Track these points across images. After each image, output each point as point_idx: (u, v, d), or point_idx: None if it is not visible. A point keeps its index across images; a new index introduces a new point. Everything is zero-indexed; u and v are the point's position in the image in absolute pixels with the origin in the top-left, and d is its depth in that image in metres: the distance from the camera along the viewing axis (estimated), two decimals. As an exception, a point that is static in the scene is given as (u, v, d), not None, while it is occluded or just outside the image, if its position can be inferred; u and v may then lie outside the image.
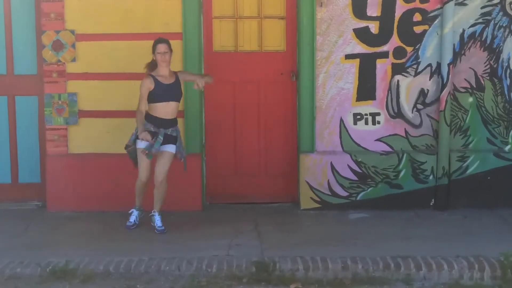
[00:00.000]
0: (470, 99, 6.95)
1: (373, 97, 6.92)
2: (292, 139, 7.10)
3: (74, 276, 5.24)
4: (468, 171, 6.92)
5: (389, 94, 6.92)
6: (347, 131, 6.93)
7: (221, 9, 7.02)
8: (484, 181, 6.89)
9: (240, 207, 6.97)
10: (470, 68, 6.90)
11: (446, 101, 6.80)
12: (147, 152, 6.10)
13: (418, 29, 6.86)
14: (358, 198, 6.93)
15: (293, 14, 6.97)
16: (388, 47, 6.87)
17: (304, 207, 6.92)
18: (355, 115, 6.93)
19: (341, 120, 6.92)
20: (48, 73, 6.89)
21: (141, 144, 6.14)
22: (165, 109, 6.19)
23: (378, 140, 6.95)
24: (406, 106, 6.94)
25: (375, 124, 6.94)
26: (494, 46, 6.88)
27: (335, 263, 5.31)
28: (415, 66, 6.89)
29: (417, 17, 6.84)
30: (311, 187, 6.90)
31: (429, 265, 5.30)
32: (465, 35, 6.86)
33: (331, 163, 6.88)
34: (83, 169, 6.91)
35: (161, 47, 6.16)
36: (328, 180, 6.89)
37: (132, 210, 6.42)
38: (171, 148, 6.21)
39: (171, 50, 6.23)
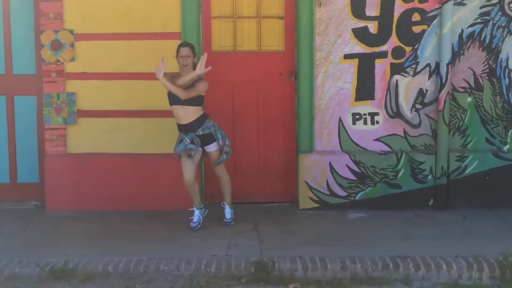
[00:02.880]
0: (469, 99, 6.95)
1: (372, 97, 6.92)
2: (291, 139, 7.10)
3: (73, 276, 5.24)
4: (467, 171, 6.92)
5: (388, 94, 6.92)
6: (346, 131, 6.93)
7: (220, 9, 7.02)
8: (483, 181, 6.89)
9: (239, 207, 6.96)
10: (469, 68, 6.91)
11: (445, 101, 6.80)
12: (191, 153, 6.21)
13: (417, 29, 6.86)
14: (357, 198, 6.93)
15: (292, 14, 6.97)
16: (387, 47, 6.87)
17: (303, 207, 6.92)
18: (354, 115, 6.94)
19: (340, 120, 6.92)
20: (47, 73, 6.89)
21: (178, 148, 6.23)
22: (182, 114, 6.22)
23: (377, 140, 6.95)
24: (405, 106, 6.94)
25: (374, 124, 6.95)
26: (493, 46, 6.89)
27: (334, 263, 5.32)
28: (414, 66, 6.89)
29: (416, 17, 6.84)
30: (310, 187, 6.90)
31: (428, 265, 5.30)
32: (464, 35, 6.86)
33: (330, 163, 6.88)
34: (82, 169, 6.91)
35: (184, 51, 6.22)
36: (327, 180, 6.89)
37: (192, 209, 6.44)
38: (212, 148, 6.31)
39: (194, 54, 6.27)
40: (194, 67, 6.25)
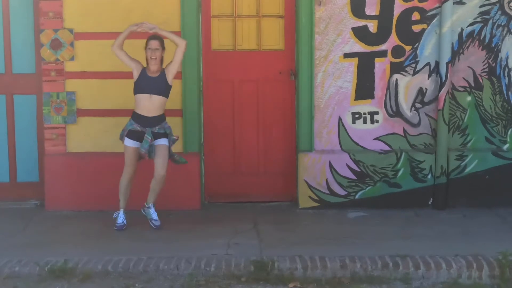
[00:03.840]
0: (469, 98, 6.95)
1: (371, 96, 6.92)
2: (291, 138, 7.10)
3: (73, 275, 5.24)
4: (467, 170, 6.92)
5: (388, 93, 6.92)
6: (345, 130, 6.93)
7: (220, 7, 7.01)
8: (483, 180, 6.89)
9: (238, 206, 6.98)
10: (468, 67, 6.91)
11: (445, 100, 6.80)
12: (146, 153, 6.15)
13: (416, 28, 6.86)
14: (357, 197, 6.93)
15: (292, 13, 6.96)
16: (387, 46, 6.87)
17: (302, 206, 6.92)
18: (353, 114, 6.94)
19: (340, 119, 6.92)
20: (46, 72, 6.88)
21: (129, 142, 6.19)
22: (148, 104, 6.16)
23: (377, 139, 6.95)
24: (405, 105, 6.94)
25: (373, 123, 6.95)
26: (493, 45, 6.89)
27: (334, 262, 5.32)
28: (413, 65, 6.89)
29: (416, 16, 6.84)
30: (309, 186, 6.90)
31: (427, 264, 5.30)
32: (464, 34, 6.86)
33: (329, 162, 6.88)
34: (81, 168, 6.91)
35: (153, 43, 6.19)
36: (327, 179, 6.89)
37: (116, 213, 6.40)
38: (163, 141, 6.21)
39: (163, 48, 6.23)
40: (161, 61, 6.25)
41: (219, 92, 7.04)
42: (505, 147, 7.00)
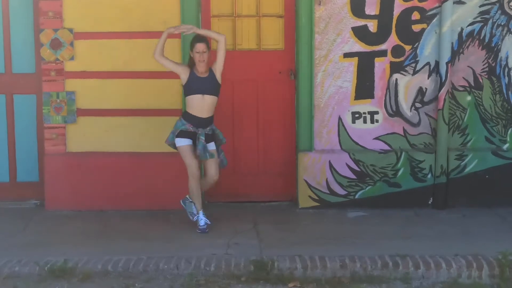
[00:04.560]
0: (469, 98, 6.95)
1: (371, 96, 6.92)
2: (291, 137, 7.10)
3: (73, 275, 5.24)
4: (467, 170, 6.92)
5: (388, 93, 6.92)
6: (345, 129, 6.93)
7: (220, 7, 7.01)
8: (483, 180, 6.89)
9: (238, 206, 6.97)
10: (468, 66, 6.91)
11: (445, 99, 6.80)
12: (207, 154, 6.12)
13: (416, 28, 6.86)
14: (357, 196, 6.93)
15: (292, 13, 6.96)
16: (387, 46, 6.87)
17: (302, 205, 6.92)
18: (353, 113, 6.93)
19: (340, 119, 6.92)
20: (46, 72, 6.88)
21: (183, 141, 6.15)
22: (202, 104, 6.16)
23: (377, 138, 6.95)
24: (405, 105, 6.94)
25: (373, 123, 6.95)
26: (493, 44, 6.89)
27: (334, 262, 5.32)
28: (413, 65, 6.89)
29: (416, 15, 6.84)
30: (309, 186, 6.90)
31: (427, 263, 5.30)
32: (464, 34, 6.86)
33: (329, 161, 6.88)
34: (81, 168, 6.90)
35: (199, 47, 6.14)
36: (327, 178, 6.89)
37: (196, 216, 6.27)
38: (214, 146, 6.24)
39: (209, 49, 6.21)
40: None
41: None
42: (505, 146, 7.00)
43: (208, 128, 6.20)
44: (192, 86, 6.17)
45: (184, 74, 6.20)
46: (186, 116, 6.22)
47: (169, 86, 6.83)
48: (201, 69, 6.19)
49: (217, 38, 6.20)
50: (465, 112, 6.96)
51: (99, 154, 6.94)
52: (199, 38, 6.21)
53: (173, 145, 6.25)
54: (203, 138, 6.13)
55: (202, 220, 6.22)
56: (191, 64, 6.25)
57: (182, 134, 6.17)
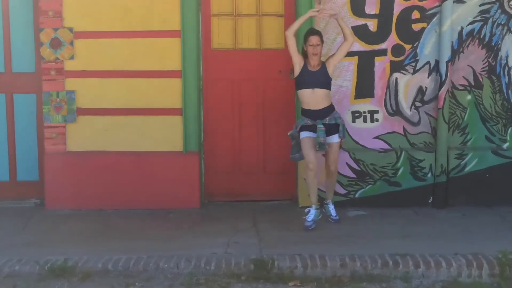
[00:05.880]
0: (469, 97, 6.95)
1: (371, 95, 6.92)
2: (291, 137, 7.10)
3: (73, 274, 5.24)
4: (467, 169, 6.92)
5: (388, 92, 6.92)
6: (345, 129, 6.91)
7: (220, 6, 7.01)
8: (483, 179, 6.89)
9: (238, 205, 6.98)
10: (468, 65, 6.91)
11: (445, 98, 6.80)
12: (318, 145, 6.15)
13: (416, 27, 6.86)
14: (357, 195, 6.93)
15: (292, 12, 6.96)
16: (387, 45, 6.87)
17: (302, 204, 6.91)
18: (353, 112, 6.94)
19: (340, 118, 6.92)
20: (46, 71, 6.88)
21: (304, 134, 6.20)
22: (313, 98, 6.20)
23: (377, 137, 6.96)
24: (405, 104, 6.94)
25: (373, 122, 6.95)
26: (493, 43, 6.89)
27: (334, 261, 5.32)
28: (413, 64, 6.89)
29: (416, 14, 6.84)
30: (309, 185, 6.89)
31: (427, 263, 5.30)
32: (464, 33, 6.86)
33: (329, 160, 6.88)
34: (81, 167, 6.91)
35: (313, 39, 6.16)
36: (327, 177, 6.89)
37: (308, 208, 6.34)
38: (335, 139, 6.28)
39: (322, 42, 6.24)
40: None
41: (219, 91, 7.04)
42: (505, 145, 7.00)
43: (327, 118, 6.23)
44: (304, 80, 6.23)
45: (298, 64, 6.26)
46: (303, 112, 6.30)
47: (169, 85, 6.84)
48: (313, 62, 6.23)
49: (348, 37, 6.25)
50: (465, 111, 6.96)
51: (99, 153, 6.94)
52: (313, 31, 6.26)
53: (292, 137, 6.33)
54: (322, 126, 6.16)
55: (311, 216, 6.27)
56: (303, 56, 6.29)
57: (303, 128, 6.24)
